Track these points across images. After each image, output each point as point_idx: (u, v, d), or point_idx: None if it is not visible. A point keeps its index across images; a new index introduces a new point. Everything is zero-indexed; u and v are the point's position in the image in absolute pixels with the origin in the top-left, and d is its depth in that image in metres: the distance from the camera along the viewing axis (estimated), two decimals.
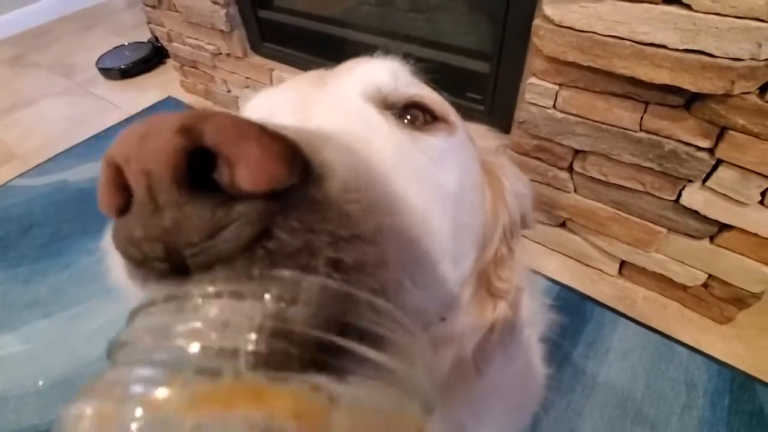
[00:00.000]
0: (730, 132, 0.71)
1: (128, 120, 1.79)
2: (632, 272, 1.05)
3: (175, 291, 0.15)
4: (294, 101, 0.30)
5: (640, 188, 0.88)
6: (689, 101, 0.73)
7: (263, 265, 0.15)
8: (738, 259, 0.86)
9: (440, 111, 0.32)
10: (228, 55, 1.52)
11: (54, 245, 1.29)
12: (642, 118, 0.79)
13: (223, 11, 1.37)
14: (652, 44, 0.68)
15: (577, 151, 0.92)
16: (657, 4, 0.65)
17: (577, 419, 0.87)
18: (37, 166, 1.60)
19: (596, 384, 0.91)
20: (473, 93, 1.03)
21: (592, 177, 0.93)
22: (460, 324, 0.34)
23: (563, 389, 0.90)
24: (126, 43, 2.16)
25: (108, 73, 2.04)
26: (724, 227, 0.84)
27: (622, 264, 1.06)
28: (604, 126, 0.84)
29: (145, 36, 2.10)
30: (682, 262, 0.94)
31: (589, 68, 0.77)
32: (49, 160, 1.62)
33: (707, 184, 0.80)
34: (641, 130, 0.80)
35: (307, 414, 0.12)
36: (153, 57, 2.05)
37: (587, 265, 1.11)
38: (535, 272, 0.54)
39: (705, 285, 0.95)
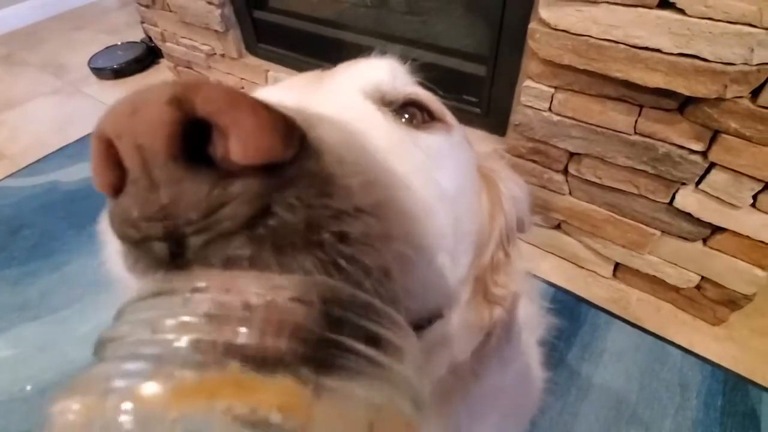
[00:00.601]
0: (723, 135, 0.72)
1: None
2: (626, 274, 1.06)
3: (165, 286, 0.15)
4: (291, 97, 0.30)
5: (635, 191, 0.89)
6: (683, 105, 0.74)
7: (264, 246, 0.15)
8: (730, 262, 0.87)
9: (438, 110, 0.32)
10: (223, 55, 1.51)
11: (44, 247, 1.27)
12: (636, 121, 0.80)
13: (218, 11, 1.36)
14: (646, 48, 0.69)
15: (572, 154, 0.93)
16: (651, 8, 0.66)
17: (572, 421, 0.87)
18: (26, 166, 1.58)
19: (591, 385, 0.91)
20: (469, 95, 1.03)
21: (586, 179, 0.94)
22: (456, 326, 0.34)
23: (559, 391, 0.90)
24: (119, 43, 2.14)
25: (100, 72, 2.02)
26: (716, 230, 0.85)
27: (617, 266, 1.06)
28: (599, 129, 0.84)
29: (137, 36, 2.09)
30: (676, 264, 0.95)
31: (584, 71, 0.78)
32: (39, 160, 1.60)
33: (700, 186, 0.80)
34: (636, 133, 0.81)
35: (292, 406, 0.12)
36: (146, 57, 2.03)
37: (582, 267, 1.12)
38: (533, 275, 0.54)
39: (698, 287, 0.96)
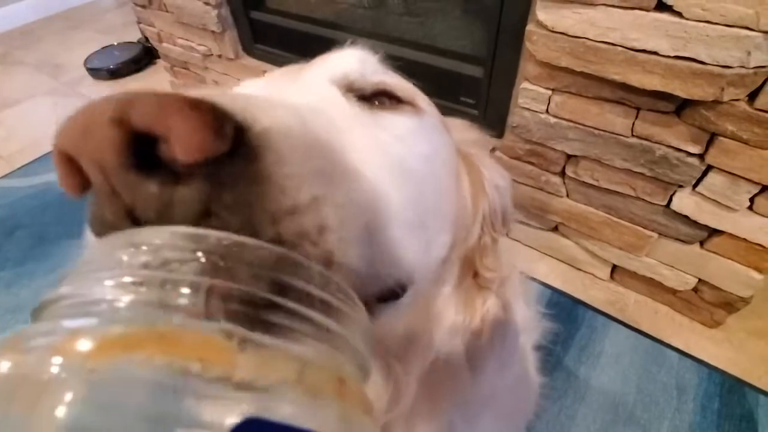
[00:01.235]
0: (720, 138, 0.72)
1: None
2: (623, 276, 1.06)
3: (107, 245, 0.15)
4: (267, 90, 0.32)
5: (632, 193, 0.89)
6: (680, 107, 0.74)
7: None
8: (727, 264, 0.87)
9: (406, 95, 0.33)
10: (219, 56, 1.51)
11: (38, 248, 1.26)
12: (634, 123, 0.79)
13: (214, 12, 1.36)
14: (643, 51, 0.69)
15: (569, 156, 0.93)
16: (649, 11, 0.66)
17: (569, 423, 0.86)
18: (22, 167, 1.56)
19: (588, 388, 0.91)
20: (466, 97, 1.03)
21: (584, 182, 0.94)
22: (444, 306, 0.35)
23: (556, 394, 0.90)
24: (115, 43, 2.13)
25: (97, 73, 2.01)
26: (713, 232, 0.85)
27: (614, 268, 1.06)
28: (596, 131, 0.84)
29: (134, 36, 2.08)
30: (673, 267, 0.95)
31: (581, 74, 0.78)
32: (35, 161, 1.59)
33: (697, 189, 0.80)
34: (633, 135, 0.81)
35: (214, 357, 0.12)
36: (143, 57, 2.02)
37: (579, 270, 1.12)
38: (529, 278, 0.54)
39: (695, 289, 0.96)
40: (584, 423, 0.86)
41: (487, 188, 0.38)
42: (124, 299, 0.13)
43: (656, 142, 0.79)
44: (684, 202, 0.84)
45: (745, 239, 0.81)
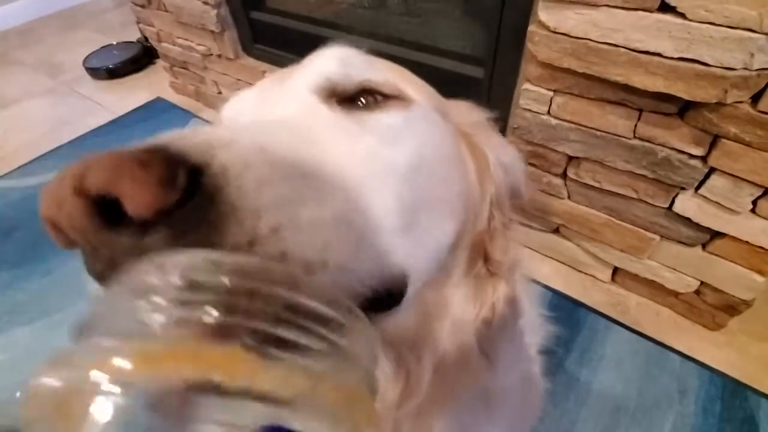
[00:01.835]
0: (723, 140, 0.72)
1: (115, 121, 1.75)
2: (625, 279, 1.06)
3: (137, 274, 0.17)
4: (255, 101, 0.33)
5: (634, 195, 0.88)
6: (683, 109, 0.73)
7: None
8: (730, 267, 0.86)
9: (390, 90, 0.32)
10: (219, 56, 1.50)
11: (36, 250, 1.25)
12: (636, 125, 0.79)
13: (213, 12, 1.35)
14: (646, 52, 0.68)
15: (571, 158, 0.92)
16: (652, 12, 0.65)
17: (571, 427, 0.86)
18: (20, 167, 1.56)
19: (590, 391, 0.90)
20: (468, 98, 1.02)
21: (585, 183, 0.93)
22: (455, 296, 0.35)
23: (557, 397, 0.89)
24: (114, 43, 2.12)
25: (95, 73, 2.00)
26: (716, 235, 0.85)
27: (615, 270, 1.06)
28: (598, 133, 0.84)
29: (133, 36, 2.07)
30: (675, 269, 0.95)
31: (583, 75, 0.77)
32: (33, 161, 1.58)
33: (700, 191, 0.80)
34: (635, 137, 0.81)
35: (236, 369, 0.13)
36: (142, 57, 2.01)
37: (580, 272, 1.11)
38: (532, 280, 0.53)
39: (697, 292, 0.95)
40: (585, 426, 0.86)
41: (492, 169, 0.38)
42: (156, 318, 0.14)
43: (659, 144, 0.79)
44: (686, 204, 0.83)
45: (747, 242, 0.81)
